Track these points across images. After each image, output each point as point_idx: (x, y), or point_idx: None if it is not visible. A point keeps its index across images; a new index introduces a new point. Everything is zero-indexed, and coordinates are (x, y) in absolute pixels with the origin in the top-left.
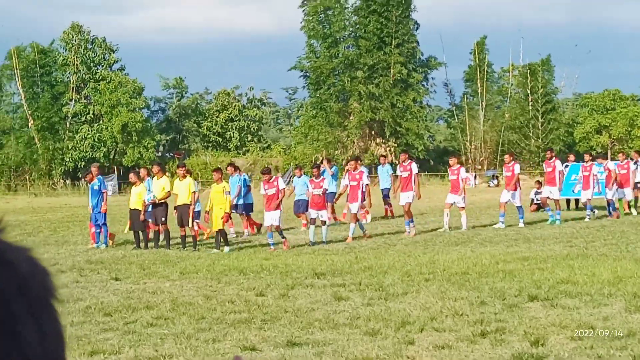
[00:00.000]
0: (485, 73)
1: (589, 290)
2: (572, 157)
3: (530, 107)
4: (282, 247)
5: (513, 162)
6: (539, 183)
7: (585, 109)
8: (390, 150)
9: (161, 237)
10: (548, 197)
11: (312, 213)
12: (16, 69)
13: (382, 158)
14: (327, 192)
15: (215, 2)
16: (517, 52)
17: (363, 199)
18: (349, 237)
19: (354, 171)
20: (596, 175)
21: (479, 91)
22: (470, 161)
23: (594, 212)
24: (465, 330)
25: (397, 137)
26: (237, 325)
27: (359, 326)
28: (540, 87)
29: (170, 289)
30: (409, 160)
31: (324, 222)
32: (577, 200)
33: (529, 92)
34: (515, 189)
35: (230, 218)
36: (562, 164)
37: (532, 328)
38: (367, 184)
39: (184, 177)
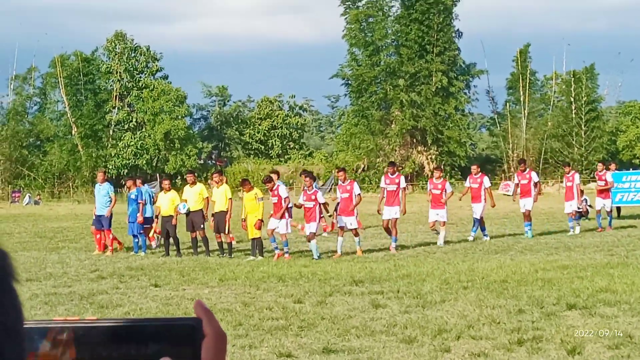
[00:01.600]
0: (528, 81)
1: (628, 299)
2: (613, 166)
3: (573, 115)
4: (283, 256)
5: (573, 172)
6: (581, 191)
7: (629, 117)
8: (431, 158)
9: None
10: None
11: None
12: (60, 77)
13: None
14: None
15: (256, 12)
16: (560, 60)
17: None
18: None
19: (343, 182)
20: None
21: (522, 99)
22: (512, 169)
23: (578, 223)
24: (502, 338)
25: (438, 145)
26: (274, 331)
27: (395, 334)
28: (583, 95)
29: (209, 295)
30: (397, 173)
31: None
32: (618, 209)
33: (572, 100)
34: (573, 198)
35: (262, 224)
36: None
37: (570, 337)
38: (359, 194)
39: (220, 184)
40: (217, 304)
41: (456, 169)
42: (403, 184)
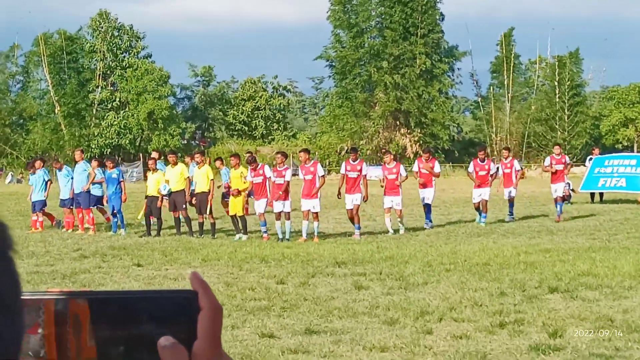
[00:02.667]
0: (512, 65)
1: (610, 282)
2: (596, 151)
3: (557, 100)
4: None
5: (511, 157)
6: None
7: (612, 102)
8: (414, 140)
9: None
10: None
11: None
12: (43, 55)
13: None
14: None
15: None
16: (544, 44)
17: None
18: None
19: (306, 164)
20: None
21: (506, 82)
22: (495, 152)
23: (511, 215)
24: (483, 320)
25: (422, 128)
26: (257, 312)
27: (377, 315)
28: (567, 80)
29: None
30: (359, 159)
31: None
32: (601, 194)
33: (556, 84)
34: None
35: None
36: (587, 157)
37: (551, 320)
38: (323, 175)
39: (202, 164)
40: None
41: (439, 152)
42: (365, 170)
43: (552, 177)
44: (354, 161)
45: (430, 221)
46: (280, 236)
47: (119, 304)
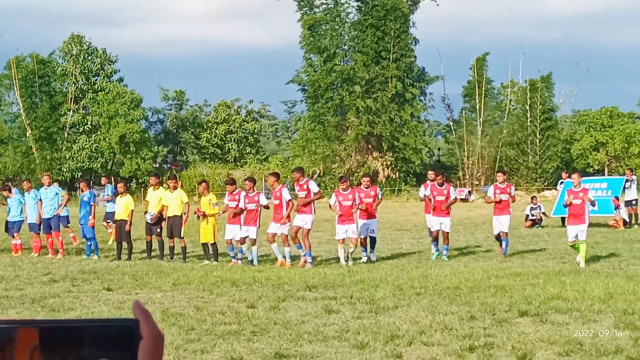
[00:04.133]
0: (484, 89)
1: (579, 306)
2: (565, 175)
3: (529, 124)
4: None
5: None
6: (534, 198)
7: (583, 126)
8: (387, 164)
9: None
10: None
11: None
12: (15, 78)
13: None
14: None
15: (210, 17)
16: (516, 68)
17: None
18: (284, 260)
19: (275, 188)
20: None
21: (478, 107)
22: (467, 176)
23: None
24: (453, 344)
25: (394, 152)
26: (226, 336)
27: (347, 339)
28: (539, 104)
29: (162, 299)
30: (306, 179)
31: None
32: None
33: (528, 108)
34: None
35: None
36: (558, 181)
37: (521, 343)
38: (290, 200)
39: (175, 189)
40: (170, 308)
41: (411, 176)
42: (314, 189)
43: (496, 209)
44: (299, 180)
45: (447, 250)
46: (255, 261)
47: (65, 332)
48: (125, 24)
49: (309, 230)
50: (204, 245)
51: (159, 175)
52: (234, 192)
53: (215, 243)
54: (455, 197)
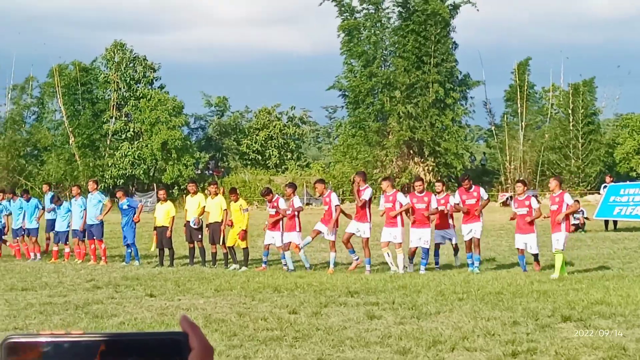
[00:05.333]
0: (526, 93)
1: (623, 311)
2: (609, 179)
3: (571, 128)
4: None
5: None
6: (578, 202)
7: (626, 129)
8: (428, 169)
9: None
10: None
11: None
12: (58, 86)
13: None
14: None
15: (248, 23)
16: (558, 72)
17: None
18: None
19: (322, 194)
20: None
21: (519, 111)
22: (509, 181)
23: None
24: (496, 350)
25: (435, 157)
26: (269, 342)
27: (390, 345)
28: (581, 108)
29: (204, 305)
30: (329, 190)
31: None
32: (615, 222)
33: (570, 112)
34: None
35: (245, 235)
36: (601, 185)
37: (564, 349)
38: (338, 204)
39: (216, 195)
40: (213, 314)
41: (453, 181)
42: (335, 201)
43: (464, 216)
44: (420, 193)
45: (479, 262)
46: (306, 264)
47: (118, 345)
48: (165, 30)
49: (368, 238)
50: (230, 248)
51: (196, 182)
52: (273, 200)
53: (247, 248)
54: (488, 199)
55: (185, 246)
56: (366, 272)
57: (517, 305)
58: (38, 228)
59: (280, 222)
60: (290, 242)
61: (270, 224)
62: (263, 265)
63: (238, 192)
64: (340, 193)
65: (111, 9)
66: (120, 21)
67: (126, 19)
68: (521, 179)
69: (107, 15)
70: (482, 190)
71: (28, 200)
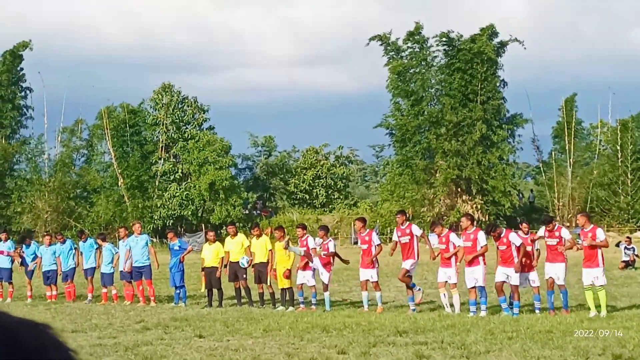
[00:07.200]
0: (574, 129)
1: None
2: None
3: (620, 164)
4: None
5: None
6: (629, 239)
7: None
8: (477, 207)
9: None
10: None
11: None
12: (107, 128)
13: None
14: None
15: (293, 62)
16: (605, 108)
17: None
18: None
19: (361, 233)
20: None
21: (567, 147)
22: (558, 218)
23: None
24: None
25: (483, 195)
26: None
27: None
28: (630, 144)
29: (253, 346)
30: (368, 230)
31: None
32: None
33: (618, 148)
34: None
35: (290, 275)
36: None
37: None
38: (379, 244)
39: (260, 236)
40: (261, 354)
41: (501, 219)
42: (376, 241)
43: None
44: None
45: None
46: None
47: None
48: (211, 71)
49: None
50: (283, 290)
51: (235, 224)
52: (303, 238)
53: (291, 287)
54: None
55: (232, 286)
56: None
57: (567, 344)
58: (95, 268)
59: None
60: (328, 283)
61: (301, 264)
62: (302, 305)
63: (285, 231)
64: (388, 232)
65: (158, 52)
66: (167, 64)
67: (173, 61)
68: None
69: (155, 58)
70: (374, 234)
71: (85, 240)
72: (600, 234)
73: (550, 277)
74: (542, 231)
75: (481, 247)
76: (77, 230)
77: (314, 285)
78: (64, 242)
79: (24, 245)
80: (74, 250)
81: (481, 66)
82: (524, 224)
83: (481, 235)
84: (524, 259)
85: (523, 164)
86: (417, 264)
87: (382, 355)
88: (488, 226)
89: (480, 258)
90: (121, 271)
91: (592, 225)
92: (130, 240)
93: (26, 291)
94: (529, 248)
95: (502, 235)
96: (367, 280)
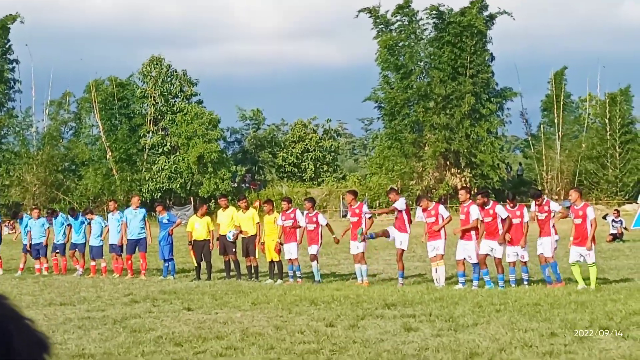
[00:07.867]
0: (563, 103)
1: None
2: None
3: (608, 137)
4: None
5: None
6: (617, 212)
7: None
8: (465, 180)
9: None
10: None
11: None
12: (95, 102)
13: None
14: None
15: (282, 35)
16: (594, 81)
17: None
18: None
19: (352, 206)
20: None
21: (556, 121)
22: (547, 191)
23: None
24: None
25: (472, 168)
26: (306, 355)
27: (427, 357)
28: (618, 117)
29: (241, 319)
30: (359, 202)
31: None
32: None
33: (607, 121)
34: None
35: (282, 248)
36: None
37: None
38: (370, 217)
39: (247, 209)
40: (250, 327)
41: (490, 192)
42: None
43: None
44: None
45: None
46: (317, 278)
47: None
48: (199, 44)
49: (404, 250)
50: (271, 263)
51: (227, 196)
52: (288, 211)
53: (280, 261)
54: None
55: (222, 260)
56: (399, 284)
57: (555, 317)
58: (85, 243)
59: (296, 234)
60: (316, 254)
61: (285, 236)
62: (291, 280)
63: (274, 204)
64: (377, 205)
65: (146, 26)
66: (155, 37)
67: (160, 35)
68: (575, 187)
69: (142, 32)
70: (365, 207)
71: (76, 217)
72: (590, 213)
73: (541, 253)
74: (533, 206)
75: (473, 221)
76: (69, 208)
77: (296, 258)
78: (56, 216)
79: (18, 220)
80: (65, 225)
81: (470, 39)
82: (508, 201)
83: (474, 208)
84: (510, 234)
85: (512, 137)
86: (445, 243)
87: (370, 328)
88: (478, 192)
89: (473, 233)
90: (111, 244)
91: (583, 203)
92: (127, 213)
93: (19, 264)
94: (516, 221)
95: (488, 207)
96: (358, 252)
